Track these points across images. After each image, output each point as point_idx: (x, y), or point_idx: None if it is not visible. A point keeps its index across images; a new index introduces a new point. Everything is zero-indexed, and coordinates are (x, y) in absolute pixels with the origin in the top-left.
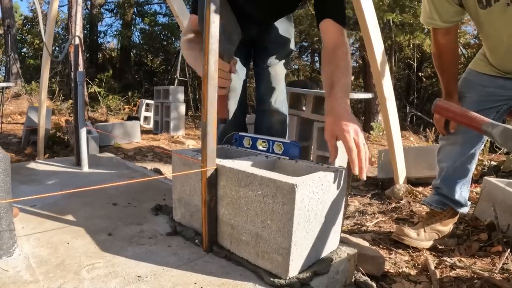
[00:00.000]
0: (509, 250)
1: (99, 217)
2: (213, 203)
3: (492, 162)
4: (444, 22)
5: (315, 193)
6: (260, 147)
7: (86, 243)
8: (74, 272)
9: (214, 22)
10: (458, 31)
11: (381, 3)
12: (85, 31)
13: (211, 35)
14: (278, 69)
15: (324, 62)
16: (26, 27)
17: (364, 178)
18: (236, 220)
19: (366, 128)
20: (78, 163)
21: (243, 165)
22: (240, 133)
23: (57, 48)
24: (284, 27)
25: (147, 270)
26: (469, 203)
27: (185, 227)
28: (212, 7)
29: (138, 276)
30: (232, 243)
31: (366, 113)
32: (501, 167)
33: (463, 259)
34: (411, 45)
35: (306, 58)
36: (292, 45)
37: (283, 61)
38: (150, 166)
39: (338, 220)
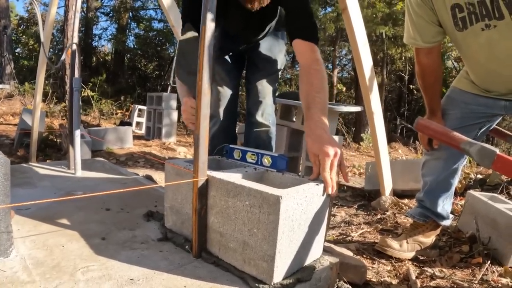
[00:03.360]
0: (489, 262)
1: (93, 221)
2: (203, 211)
3: (479, 176)
4: (426, 42)
5: (299, 204)
6: (250, 159)
7: (81, 247)
8: (70, 274)
9: (208, 41)
10: (450, 44)
11: (374, 15)
12: (80, 34)
13: (205, 54)
14: (265, 84)
15: (300, 81)
16: (21, 27)
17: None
18: (225, 228)
19: (357, 139)
20: (72, 167)
21: (232, 176)
22: (230, 146)
23: (51, 50)
24: (272, 45)
25: (139, 273)
26: (451, 216)
27: (176, 234)
28: (207, 27)
29: (131, 279)
30: (220, 249)
31: (356, 124)
32: (487, 181)
33: (444, 269)
34: (403, 58)
35: (298, 68)
36: (280, 63)
37: (271, 77)
38: (141, 172)
39: (322, 230)
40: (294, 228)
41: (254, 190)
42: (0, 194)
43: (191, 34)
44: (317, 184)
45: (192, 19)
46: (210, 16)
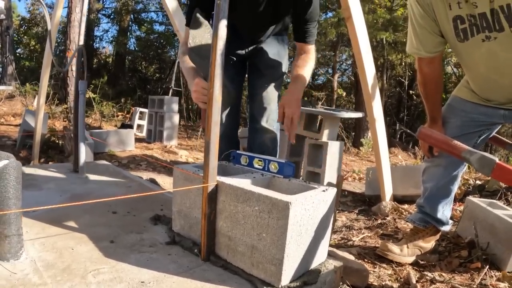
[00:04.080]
0: (487, 266)
1: (100, 224)
2: (212, 216)
3: (478, 182)
4: (428, 52)
5: (306, 210)
6: (256, 165)
7: (90, 249)
8: (81, 277)
9: (220, 49)
10: (450, 50)
11: (375, 21)
12: None
13: (217, 63)
14: (270, 90)
15: (295, 61)
16: (23, 28)
17: (292, 140)
18: (234, 232)
19: (356, 143)
20: (76, 170)
21: (241, 182)
22: (237, 151)
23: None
24: (277, 50)
25: (149, 276)
26: (450, 221)
27: (184, 237)
28: (219, 35)
29: (142, 282)
30: (229, 253)
31: (356, 129)
32: (486, 186)
33: (443, 274)
34: (403, 64)
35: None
36: (284, 68)
37: (276, 82)
38: (144, 175)
39: (327, 234)
40: (301, 232)
41: (263, 196)
42: (12, 197)
43: (200, 20)
44: (324, 191)
45: (200, 7)
46: (222, 25)
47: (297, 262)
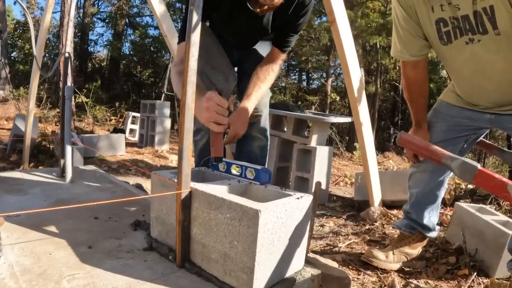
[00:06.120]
0: (475, 273)
1: (81, 230)
2: (186, 223)
3: (469, 186)
4: (412, 55)
5: (278, 218)
6: (234, 172)
7: (68, 255)
8: (55, 282)
9: (193, 56)
10: None
11: (368, 25)
12: (76, 39)
13: (190, 68)
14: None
15: (257, 70)
16: (18, 31)
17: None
18: (207, 239)
19: (350, 148)
20: (63, 175)
21: (215, 189)
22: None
23: (47, 55)
24: (266, 54)
25: (123, 282)
26: (437, 227)
27: (161, 244)
28: (192, 41)
29: None
30: (203, 260)
31: (350, 133)
32: (477, 191)
33: (429, 281)
34: (397, 68)
35: (294, 77)
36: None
37: None
38: (132, 180)
39: (303, 242)
40: (273, 241)
41: (234, 203)
42: None
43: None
44: (298, 198)
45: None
46: (195, 31)
47: (270, 271)
